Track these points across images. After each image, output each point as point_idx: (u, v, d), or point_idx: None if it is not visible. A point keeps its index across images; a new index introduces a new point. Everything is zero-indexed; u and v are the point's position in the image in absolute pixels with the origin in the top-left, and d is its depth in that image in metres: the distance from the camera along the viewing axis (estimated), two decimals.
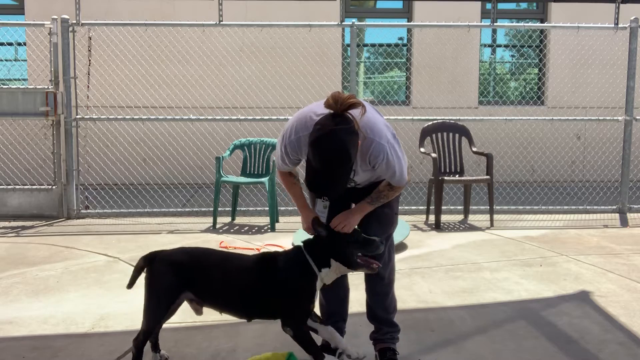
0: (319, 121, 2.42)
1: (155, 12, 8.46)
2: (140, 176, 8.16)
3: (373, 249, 2.65)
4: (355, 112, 2.45)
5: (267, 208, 6.39)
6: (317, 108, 2.56)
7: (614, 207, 7.01)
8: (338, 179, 2.42)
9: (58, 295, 3.98)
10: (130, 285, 2.81)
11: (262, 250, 4.93)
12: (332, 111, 2.43)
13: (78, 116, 6.66)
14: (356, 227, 2.73)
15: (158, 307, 2.73)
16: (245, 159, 6.59)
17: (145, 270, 2.76)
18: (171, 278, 2.69)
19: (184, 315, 2.97)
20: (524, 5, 9.93)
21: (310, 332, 2.75)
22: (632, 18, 6.84)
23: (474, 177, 6.69)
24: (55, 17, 6.48)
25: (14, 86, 7.21)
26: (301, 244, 2.73)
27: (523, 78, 10.18)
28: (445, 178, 6.31)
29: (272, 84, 8.60)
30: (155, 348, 2.91)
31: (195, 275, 2.70)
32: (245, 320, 2.80)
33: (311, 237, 2.75)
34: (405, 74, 9.50)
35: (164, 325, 3.42)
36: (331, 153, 2.36)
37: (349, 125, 2.39)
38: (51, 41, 6.49)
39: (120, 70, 8.28)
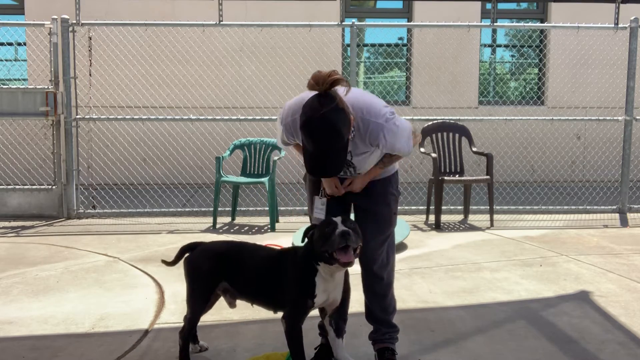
0: (306, 104, 2.41)
1: (155, 12, 8.46)
2: (140, 176, 8.16)
3: (332, 244, 2.47)
4: (340, 90, 2.45)
5: (267, 208, 6.39)
6: (307, 95, 2.55)
7: (614, 207, 7.01)
8: (334, 159, 2.40)
9: (58, 295, 3.99)
10: (172, 264, 2.97)
11: None
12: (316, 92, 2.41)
13: (78, 116, 6.66)
14: (348, 217, 2.68)
15: (200, 295, 2.83)
16: (245, 159, 6.59)
17: (184, 260, 2.88)
18: (210, 266, 2.80)
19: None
20: (524, 5, 9.93)
21: (325, 339, 2.81)
22: (632, 18, 6.83)
23: (474, 177, 6.68)
24: (55, 17, 6.48)
25: (14, 86, 7.20)
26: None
27: (523, 78, 10.18)
28: (445, 178, 6.31)
29: (272, 84, 8.60)
30: (194, 339, 3.04)
31: (230, 265, 2.80)
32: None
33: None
34: (405, 73, 9.50)
35: (164, 325, 3.44)
36: (322, 134, 2.34)
37: (334, 103, 2.37)
38: (51, 41, 6.49)
39: (120, 70, 8.29)
